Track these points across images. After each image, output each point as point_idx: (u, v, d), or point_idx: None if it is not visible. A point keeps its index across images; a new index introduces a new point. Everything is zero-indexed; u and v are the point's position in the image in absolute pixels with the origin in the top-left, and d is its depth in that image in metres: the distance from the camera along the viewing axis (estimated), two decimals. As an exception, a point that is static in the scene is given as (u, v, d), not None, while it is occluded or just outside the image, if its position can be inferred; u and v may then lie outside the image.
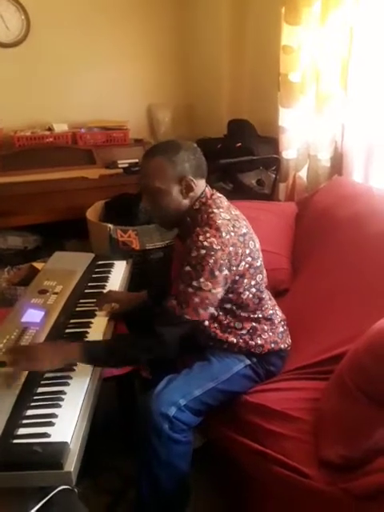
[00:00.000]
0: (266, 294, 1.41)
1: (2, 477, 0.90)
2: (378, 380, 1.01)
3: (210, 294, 1.21)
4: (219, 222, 1.23)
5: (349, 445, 1.05)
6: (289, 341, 1.44)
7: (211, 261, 1.17)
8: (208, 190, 1.32)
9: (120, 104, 2.99)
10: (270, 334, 1.38)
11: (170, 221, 1.36)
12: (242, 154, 2.28)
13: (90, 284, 1.66)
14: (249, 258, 1.28)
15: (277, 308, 1.46)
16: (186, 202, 1.28)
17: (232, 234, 1.23)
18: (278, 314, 1.44)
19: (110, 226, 2.20)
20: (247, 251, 1.28)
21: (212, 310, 1.25)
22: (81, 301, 1.54)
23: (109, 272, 1.75)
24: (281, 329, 1.42)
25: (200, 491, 1.38)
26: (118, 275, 1.74)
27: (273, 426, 1.20)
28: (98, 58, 2.90)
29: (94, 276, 1.72)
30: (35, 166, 2.59)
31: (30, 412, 1.03)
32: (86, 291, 1.61)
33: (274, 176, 2.31)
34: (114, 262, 1.83)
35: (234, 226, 1.25)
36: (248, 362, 1.35)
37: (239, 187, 2.30)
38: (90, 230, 2.42)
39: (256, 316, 1.35)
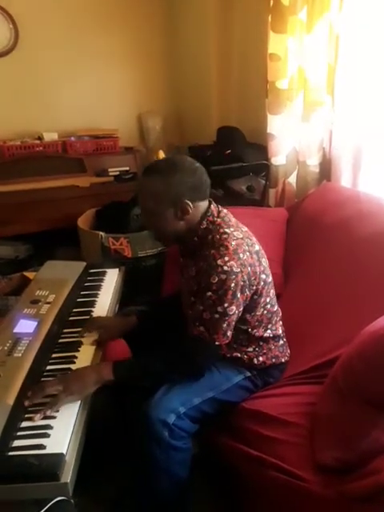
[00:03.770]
0: (277, 307, 1.40)
1: (-2, 489, 0.89)
2: (370, 382, 1.02)
3: (235, 316, 1.22)
4: (234, 243, 1.20)
5: (344, 448, 1.06)
6: (288, 352, 1.44)
7: (232, 285, 1.16)
8: (214, 208, 1.28)
9: (110, 112, 3.00)
10: (273, 348, 1.38)
11: (167, 239, 1.33)
12: (231, 160, 2.30)
13: (82, 293, 1.65)
14: (263, 276, 1.28)
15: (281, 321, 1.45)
16: (182, 224, 1.24)
17: (247, 253, 1.21)
18: (282, 328, 1.44)
19: (102, 233, 2.20)
20: (262, 268, 1.27)
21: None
22: (74, 310, 1.54)
23: (101, 280, 1.74)
24: (281, 342, 1.42)
25: (198, 497, 1.38)
26: (110, 283, 1.73)
27: (269, 432, 1.20)
28: (87, 67, 2.91)
29: (86, 285, 1.71)
30: (26, 176, 2.59)
31: (24, 424, 1.03)
32: (79, 300, 1.60)
33: (263, 182, 2.33)
34: (107, 270, 1.83)
35: (247, 245, 1.24)
36: (248, 374, 1.35)
37: (230, 193, 2.31)
38: (81, 239, 2.42)
39: (266, 335, 1.35)
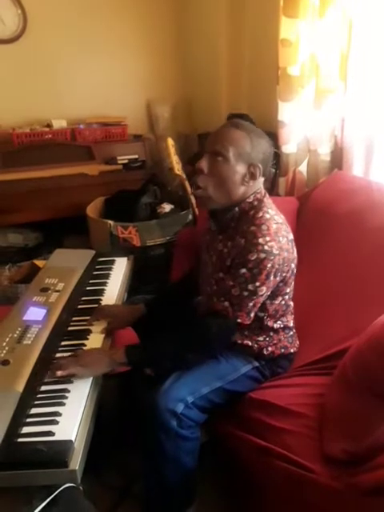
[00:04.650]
0: (292, 302, 1.39)
1: (7, 476, 0.90)
2: (381, 374, 1.01)
3: (262, 299, 1.21)
4: (275, 226, 1.21)
5: (353, 439, 1.06)
6: (297, 343, 1.44)
7: (269, 265, 1.16)
8: (263, 189, 1.29)
9: (119, 99, 2.97)
10: (282, 339, 1.37)
11: (215, 196, 1.24)
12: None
13: (91, 281, 1.65)
14: (292, 265, 1.28)
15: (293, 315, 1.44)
16: (242, 189, 1.23)
17: (285, 239, 1.22)
18: (293, 321, 1.43)
19: (111, 222, 2.20)
20: (293, 257, 1.27)
21: None
22: (83, 298, 1.54)
23: (110, 269, 1.74)
24: (291, 333, 1.41)
25: (205, 487, 1.39)
26: (119, 272, 1.73)
27: (276, 422, 1.20)
28: (96, 54, 2.88)
29: (95, 273, 1.71)
30: (35, 163, 2.58)
31: (34, 410, 1.04)
32: (88, 288, 1.61)
33: (273, 170, 2.30)
34: (115, 258, 1.83)
35: (285, 231, 1.24)
36: (256, 363, 1.35)
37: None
38: (90, 227, 2.42)
39: (276, 326, 1.34)
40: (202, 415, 1.25)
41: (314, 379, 1.33)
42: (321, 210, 1.88)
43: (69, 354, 1.24)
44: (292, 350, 1.40)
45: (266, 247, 1.16)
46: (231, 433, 1.30)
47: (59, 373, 1.14)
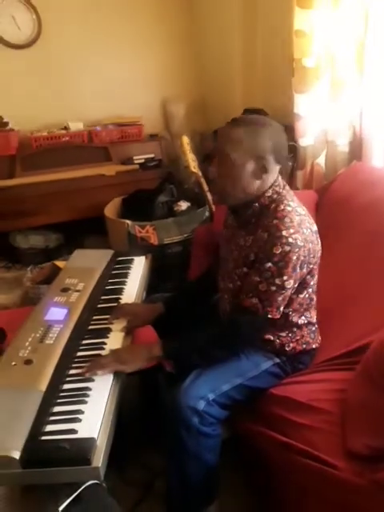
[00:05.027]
0: (315, 296, 1.37)
1: (32, 474, 0.92)
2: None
3: (290, 292, 1.20)
4: (298, 217, 1.18)
5: (376, 435, 1.04)
6: (319, 339, 1.41)
7: (294, 258, 1.14)
8: (281, 180, 1.25)
9: (134, 99, 2.99)
10: (305, 335, 1.35)
11: (231, 197, 1.24)
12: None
13: (110, 281, 1.67)
14: (317, 257, 1.26)
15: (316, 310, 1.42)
16: (257, 183, 1.20)
17: (309, 230, 1.20)
18: (316, 316, 1.41)
19: (128, 222, 2.21)
20: (318, 248, 1.25)
21: None
22: (102, 297, 1.56)
23: (128, 268, 1.76)
24: (313, 328, 1.39)
25: (227, 483, 1.39)
26: (137, 271, 1.74)
27: (299, 418, 1.19)
28: (110, 55, 2.90)
29: (114, 272, 1.73)
30: (53, 166, 2.63)
31: (56, 409, 1.05)
32: (107, 288, 1.62)
33: (290, 164, 2.28)
34: (134, 257, 1.84)
35: (309, 223, 1.22)
36: (277, 360, 1.34)
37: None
38: (108, 227, 2.44)
39: (302, 322, 1.32)
40: (223, 412, 1.25)
41: (335, 375, 1.32)
42: (340, 202, 1.85)
43: (90, 352, 1.25)
44: (314, 346, 1.38)
45: (290, 240, 1.13)
46: (252, 429, 1.29)
47: (100, 372, 1.15)
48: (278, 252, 1.14)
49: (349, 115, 2.04)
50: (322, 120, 2.14)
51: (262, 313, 1.18)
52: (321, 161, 2.23)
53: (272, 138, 1.17)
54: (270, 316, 1.19)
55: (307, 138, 2.19)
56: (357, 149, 2.08)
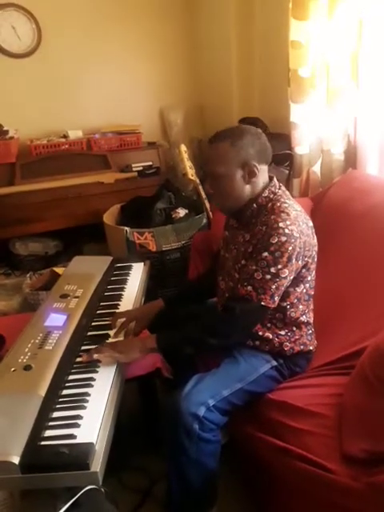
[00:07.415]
0: (312, 294, 1.40)
1: (31, 478, 0.92)
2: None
3: (285, 282, 1.23)
4: (294, 212, 1.25)
5: (372, 439, 1.05)
6: (315, 342, 1.44)
7: (290, 248, 1.19)
8: (276, 181, 1.33)
9: (132, 108, 3.02)
10: (303, 335, 1.38)
11: (231, 206, 1.34)
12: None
13: (109, 287, 1.68)
14: (313, 252, 1.30)
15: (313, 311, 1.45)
16: (249, 188, 1.29)
17: (305, 224, 1.26)
18: (313, 317, 1.43)
19: (127, 228, 2.23)
20: (314, 243, 1.31)
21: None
22: (101, 304, 1.57)
23: (127, 274, 1.77)
24: (310, 330, 1.42)
25: (226, 488, 1.39)
26: (136, 277, 1.76)
27: (295, 423, 1.20)
28: (109, 64, 2.94)
29: (112, 278, 1.75)
30: (52, 174, 2.65)
31: (55, 414, 1.06)
32: (106, 294, 1.64)
33: (286, 172, 2.30)
34: (132, 264, 1.86)
35: (305, 219, 1.28)
36: (274, 363, 1.35)
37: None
38: (107, 234, 2.46)
39: (301, 319, 1.35)
40: (222, 418, 1.25)
41: (331, 379, 1.33)
42: (336, 209, 1.87)
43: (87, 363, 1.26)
44: (310, 348, 1.40)
45: (286, 230, 1.19)
46: (250, 434, 1.30)
47: (96, 356, 1.21)
48: (274, 242, 1.19)
49: (344, 124, 2.06)
50: (317, 129, 2.17)
51: (256, 300, 1.21)
52: (316, 169, 2.25)
53: (252, 143, 1.25)
54: (263, 303, 1.21)
55: (303, 146, 2.22)
56: (352, 157, 2.11)
